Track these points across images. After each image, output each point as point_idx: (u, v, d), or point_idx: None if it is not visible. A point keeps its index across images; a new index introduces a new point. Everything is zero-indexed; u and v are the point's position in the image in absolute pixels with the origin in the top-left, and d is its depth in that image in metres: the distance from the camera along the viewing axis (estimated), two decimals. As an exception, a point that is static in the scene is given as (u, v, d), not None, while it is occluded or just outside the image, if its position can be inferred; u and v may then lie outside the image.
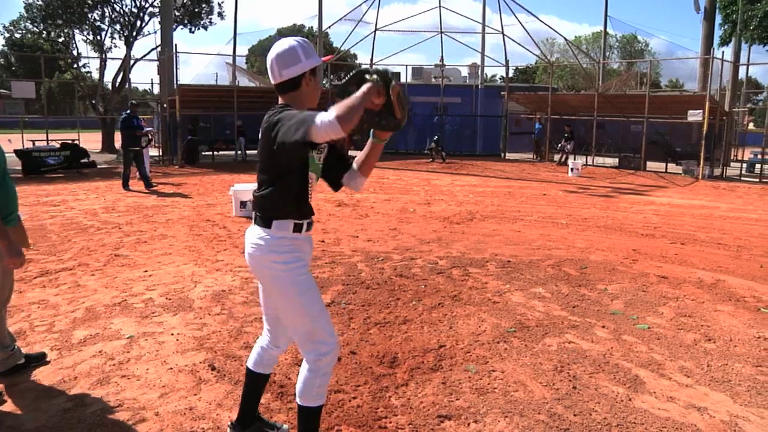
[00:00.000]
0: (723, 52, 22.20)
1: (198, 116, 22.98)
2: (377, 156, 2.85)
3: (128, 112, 14.18)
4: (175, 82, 21.57)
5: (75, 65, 34.46)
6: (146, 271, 6.67)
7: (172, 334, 4.68)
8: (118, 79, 28.61)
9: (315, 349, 2.71)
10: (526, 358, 4.30)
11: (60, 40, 33.11)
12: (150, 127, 16.52)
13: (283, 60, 2.62)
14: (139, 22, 30.21)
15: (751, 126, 34.22)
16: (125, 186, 14.03)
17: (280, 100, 2.71)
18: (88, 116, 34.11)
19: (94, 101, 29.98)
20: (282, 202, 2.67)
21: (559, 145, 23.59)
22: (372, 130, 2.76)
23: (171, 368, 4.05)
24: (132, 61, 27.01)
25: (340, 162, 2.92)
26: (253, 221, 2.75)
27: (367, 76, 2.57)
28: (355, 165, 2.91)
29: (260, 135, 2.60)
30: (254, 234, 2.72)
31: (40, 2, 29.27)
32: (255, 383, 3.10)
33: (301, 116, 2.38)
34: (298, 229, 2.72)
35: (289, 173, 2.64)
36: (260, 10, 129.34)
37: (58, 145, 19.56)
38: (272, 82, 2.70)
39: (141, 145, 14.22)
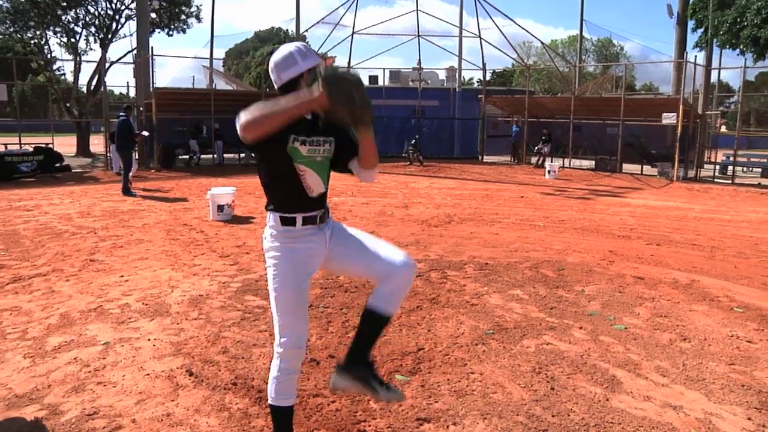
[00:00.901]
0: (696, 56, 22.56)
1: (201, 120, 22.68)
2: (368, 147, 2.77)
3: (124, 114, 14.10)
4: (151, 85, 21.40)
5: (49, 67, 33.99)
6: (122, 276, 6.59)
7: (149, 340, 4.64)
8: (93, 82, 28.28)
9: (277, 342, 2.81)
10: (505, 360, 4.32)
11: (33, 41, 32.59)
12: (142, 131, 16.27)
13: (281, 64, 2.75)
14: (114, 25, 29.91)
15: (723, 129, 34.76)
16: (127, 191, 13.74)
17: None
18: (63, 120, 33.62)
19: (68, 104, 29.58)
20: (269, 195, 2.84)
21: (536, 147, 23.74)
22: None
23: (148, 374, 4.01)
24: (107, 64, 26.70)
25: (349, 149, 2.87)
26: None
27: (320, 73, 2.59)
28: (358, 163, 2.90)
29: None
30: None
31: (8, 4, 28.69)
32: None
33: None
34: (288, 222, 2.78)
35: (266, 166, 2.81)
36: (237, 13, 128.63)
37: (31, 149, 19.27)
38: (276, 85, 2.79)
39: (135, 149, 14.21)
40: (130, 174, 14.67)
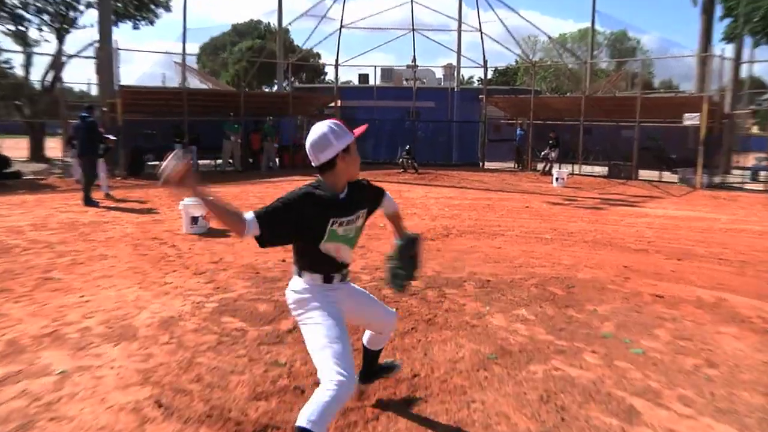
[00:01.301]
0: (723, 49, 22.46)
1: (179, 123, 22.57)
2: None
3: (87, 114, 13.96)
4: (116, 83, 21.33)
5: (-8, 60, 33.60)
6: (83, 296, 6.55)
7: (113, 368, 4.60)
8: (48, 78, 28.07)
9: (335, 372, 3.11)
10: (509, 387, 4.31)
11: None
12: (110, 135, 16.11)
13: (317, 146, 3.27)
14: (72, 13, 29.62)
15: (754, 129, 34.69)
16: (89, 201, 13.62)
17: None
18: (12, 120, 33.25)
19: (18, 102, 29.23)
20: (303, 260, 3.42)
21: (543, 153, 23.77)
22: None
23: (111, 407, 3.97)
24: (65, 58, 26.58)
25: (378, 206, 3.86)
26: None
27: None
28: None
29: None
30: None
31: None
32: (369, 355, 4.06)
33: None
34: (327, 280, 3.41)
35: (303, 243, 3.38)
36: (212, 5, 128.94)
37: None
38: (313, 164, 3.36)
39: (101, 154, 14.09)
40: (104, 185, 14.65)
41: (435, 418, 3.86)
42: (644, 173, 21.52)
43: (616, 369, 4.69)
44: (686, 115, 19.58)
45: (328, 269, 3.40)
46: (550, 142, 23.46)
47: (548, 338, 5.36)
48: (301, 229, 3.24)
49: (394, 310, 4.05)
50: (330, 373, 3.03)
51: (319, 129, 3.29)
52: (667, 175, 21.27)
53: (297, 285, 3.40)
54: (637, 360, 4.88)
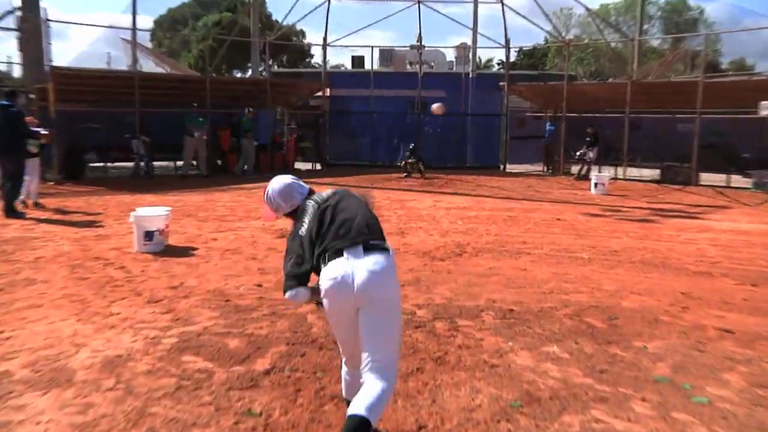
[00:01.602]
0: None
1: (148, 116, 22.60)
2: None
3: (9, 103, 13.73)
4: (45, 62, 21.25)
5: None
6: (2, 332, 6.51)
7: (39, 423, 4.55)
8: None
9: (396, 368, 4.07)
10: (539, 444, 4.29)
11: None
12: (41, 128, 15.97)
13: (284, 195, 4.48)
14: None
15: None
16: (11, 212, 13.53)
17: None
18: None
19: None
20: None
21: (578, 153, 23.75)
22: None
23: (39, 470, 3.95)
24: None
25: None
26: (377, 250, 3.98)
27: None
28: None
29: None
30: (380, 257, 3.94)
31: None
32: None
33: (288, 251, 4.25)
34: None
35: None
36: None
37: None
38: (283, 212, 4.54)
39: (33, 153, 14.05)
40: (33, 192, 14.66)
41: (446, 481, 3.84)
42: (707, 177, 21.51)
43: (673, 423, 4.65)
44: (763, 103, 19.47)
45: None
46: (588, 139, 23.43)
47: (586, 382, 5.34)
48: None
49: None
50: (396, 367, 3.98)
51: (278, 182, 4.51)
52: (737, 179, 21.23)
53: (391, 263, 4.01)
54: (701, 412, 4.84)
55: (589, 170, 23.24)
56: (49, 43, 21.47)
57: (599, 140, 23.61)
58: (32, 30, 21.62)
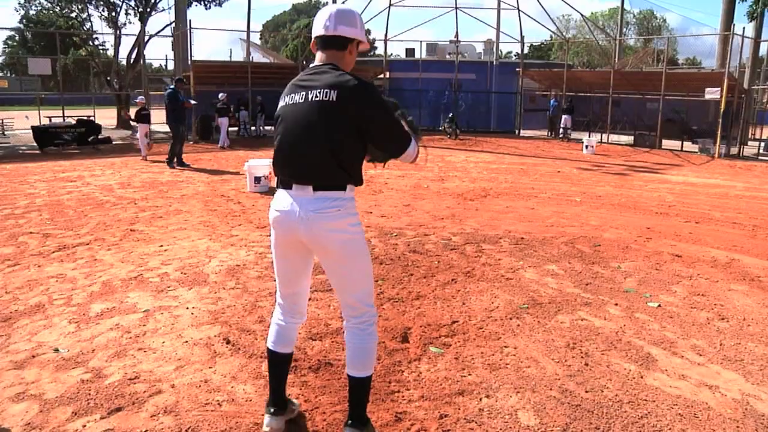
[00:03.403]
0: (744, 28, 21.80)
1: (259, 96, 22.81)
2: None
3: (173, 87, 14.10)
4: (189, 58, 21.53)
5: (90, 42, 34.45)
6: (161, 245, 6.72)
7: (188, 308, 4.73)
8: (133, 56, 28.60)
9: (371, 311, 2.86)
10: (539, 335, 4.31)
11: (74, 15, 32.97)
12: (194, 101, 16.43)
13: (343, 16, 2.71)
14: (153, -2, 30.10)
15: (771, 104, 33.62)
16: (179, 163, 13.80)
17: (319, 59, 2.77)
18: (103, 93, 34.19)
19: (108, 78, 29.99)
20: (359, 169, 2.76)
21: (560, 125, 23.63)
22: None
23: (186, 341, 4.09)
24: (146, 37, 26.94)
25: None
26: (312, 188, 2.66)
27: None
28: None
29: (342, 99, 2.59)
30: (321, 200, 2.66)
31: None
32: (280, 364, 3.08)
33: (408, 129, 2.85)
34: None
35: (364, 145, 2.75)
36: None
37: (74, 122, 19.69)
38: (321, 33, 2.73)
39: (185, 121, 14.28)
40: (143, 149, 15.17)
41: (472, 360, 3.88)
42: (667, 143, 21.03)
43: (636, 320, 4.63)
44: (707, 89, 19.10)
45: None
46: (565, 107, 23.22)
47: (575, 291, 5.32)
48: None
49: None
50: (372, 309, 2.87)
51: (348, 6, 2.85)
52: (688, 145, 20.76)
53: (347, 205, 2.71)
54: (655, 313, 4.81)
55: (568, 133, 23.25)
56: (192, 45, 21.71)
57: (573, 108, 23.47)
58: (182, 36, 21.88)
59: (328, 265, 2.80)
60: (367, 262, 2.82)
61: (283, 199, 2.76)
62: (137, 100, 16.47)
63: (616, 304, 4.99)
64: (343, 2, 30.51)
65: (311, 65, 2.79)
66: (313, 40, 2.80)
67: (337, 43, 2.71)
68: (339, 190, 2.67)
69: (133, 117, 16.29)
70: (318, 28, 2.73)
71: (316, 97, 2.62)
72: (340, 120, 2.60)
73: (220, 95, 19.50)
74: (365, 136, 2.68)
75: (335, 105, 2.59)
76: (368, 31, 55.33)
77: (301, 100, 2.68)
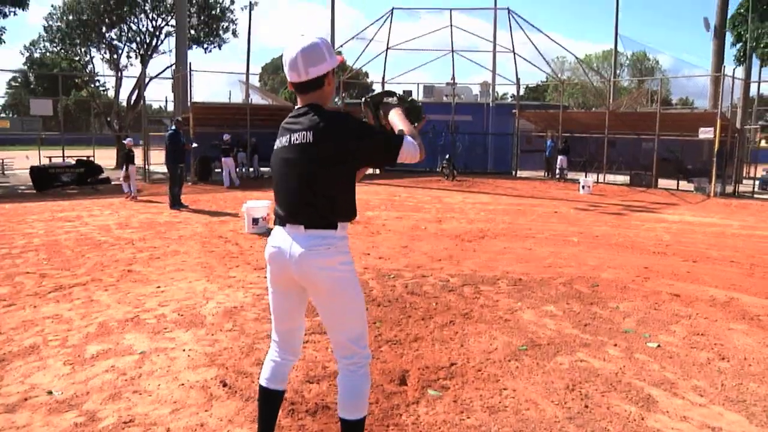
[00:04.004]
0: (734, 69, 22.18)
1: (254, 138, 23.00)
2: (362, 175, 3.05)
3: (174, 128, 14.19)
4: (189, 99, 21.76)
5: (91, 83, 34.85)
6: (159, 287, 6.69)
7: (184, 350, 4.68)
8: (133, 97, 28.93)
9: (363, 353, 2.82)
10: (538, 377, 4.27)
11: (77, 58, 33.45)
12: (195, 144, 16.60)
13: (309, 57, 2.64)
14: (154, 41, 30.58)
15: (763, 143, 33.98)
16: (176, 205, 13.75)
17: (300, 101, 2.78)
18: (104, 133, 34.52)
19: (109, 118, 30.28)
20: (351, 203, 2.78)
21: (558, 166, 23.84)
22: None
23: (182, 384, 4.05)
24: (147, 79, 27.29)
25: None
26: (303, 227, 2.69)
27: (391, 99, 2.97)
28: None
29: (318, 140, 2.63)
30: (312, 237, 2.68)
31: (60, 23, 29.66)
32: (271, 401, 3.04)
33: (391, 134, 2.78)
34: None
35: (352, 178, 2.77)
36: (273, 29, 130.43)
37: (73, 162, 19.81)
38: (294, 80, 2.71)
39: (184, 162, 14.33)
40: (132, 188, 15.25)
41: (470, 403, 3.84)
42: (663, 182, 21.16)
43: (635, 361, 4.59)
44: (701, 129, 19.30)
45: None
46: (560, 147, 23.53)
47: (574, 332, 5.28)
48: None
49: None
50: (365, 351, 2.83)
51: (309, 39, 2.66)
52: (684, 184, 20.91)
53: (338, 244, 2.72)
54: (655, 353, 4.77)
55: (564, 173, 23.41)
56: (192, 86, 21.91)
57: (569, 149, 23.78)
58: (182, 78, 22.17)
59: (319, 304, 2.80)
60: (358, 302, 2.81)
61: (278, 236, 2.80)
62: (125, 142, 16.61)
63: (615, 345, 4.95)
64: (341, 45, 31.02)
65: (296, 107, 2.83)
66: (289, 82, 2.79)
67: (312, 85, 2.71)
68: (330, 228, 2.70)
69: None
70: (290, 75, 2.71)
71: (296, 140, 2.69)
72: (320, 160, 2.64)
73: (225, 136, 19.72)
74: (355, 164, 2.73)
75: (313, 145, 2.64)
76: (366, 74, 56.02)
77: (286, 143, 2.75)
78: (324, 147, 2.63)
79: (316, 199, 2.68)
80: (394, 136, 2.74)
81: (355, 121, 2.70)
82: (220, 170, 22.32)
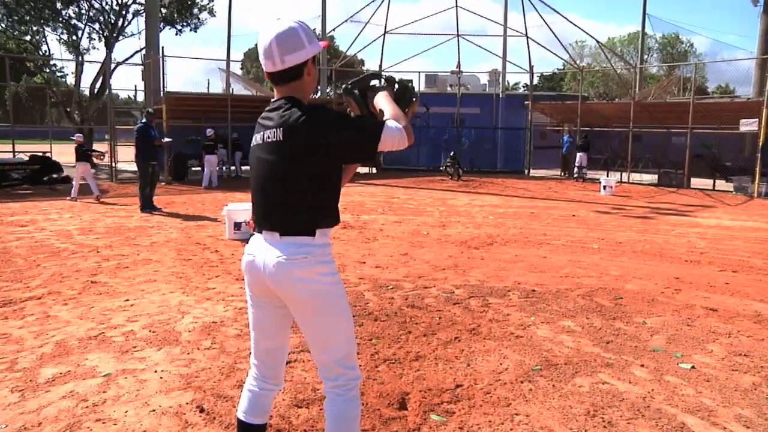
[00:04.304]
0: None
1: (235, 132, 23.02)
2: (350, 175, 3.07)
3: (144, 121, 14.20)
4: (162, 89, 21.71)
5: (46, 68, 34.55)
6: (127, 300, 6.68)
7: (156, 372, 4.67)
8: (97, 85, 28.78)
9: (350, 374, 2.78)
10: (554, 401, 4.27)
11: (27, 38, 32.76)
12: (169, 138, 16.61)
13: (284, 44, 2.60)
14: (120, 21, 30.38)
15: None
16: (147, 207, 13.77)
17: (277, 93, 2.75)
18: (62, 126, 34.30)
19: (68, 109, 30.07)
20: (330, 206, 2.76)
21: (576, 163, 23.75)
22: None
23: (153, 410, 4.03)
24: (113, 65, 27.19)
25: None
26: (279, 234, 2.69)
27: (376, 82, 2.90)
28: None
29: (287, 136, 2.61)
30: (289, 245, 2.67)
31: None
32: None
33: (369, 122, 2.72)
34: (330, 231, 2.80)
35: (336, 179, 2.74)
36: (256, 12, 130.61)
37: (26, 158, 19.68)
38: (269, 69, 2.69)
39: (156, 160, 14.33)
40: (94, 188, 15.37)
41: (478, 430, 3.83)
42: (696, 182, 21.19)
43: (666, 384, 4.59)
44: (743, 120, 19.21)
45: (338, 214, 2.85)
46: (579, 144, 23.45)
47: (595, 351, 5.29)
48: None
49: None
50: (352, 372, 2.80)
51: (285, 23, 2.63)
52: (722, 184, 20.92)
53: (317, 251, 2.71)
54: (689, 375, 4.76)
55: (582, 172, 23.38)
56: (165, 74, 21.88)
57: (589, 146, 23.71)
58: (153, 64, 22.14)
59: (298, 318, 2.78)
60: (343, 319, 2.77)
61: (254, 243, 2.80)
62: (74, 137, 16.62)
63: (642, 366, 4.95)
64: (333, 29, 31.03)
65: (272, 100, 2.80)
66: (265, 72, 2.76)
67: (289, 75, 2.68)
68: (307, 235, 2.68)
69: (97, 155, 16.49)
70: (265, 64, 2.69)
71: (269, 138, 2.68)
72: (291, 157, 2.63)
73: (208, 131, 19.80)
74: (330, 158, 2.66)
75: (284, 143, 2.63)
76: (362, 62, 56.08)
77: (260, 141, 2.75)
78: (294, 143, 2.61)
79: (289, 197, 2.66)
80: (373, 123, 2.67)
81: (330, 112, 2.65)
82: (200, 168, 22.37)
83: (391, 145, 2.61)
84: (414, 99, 2.99)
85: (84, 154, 16.00)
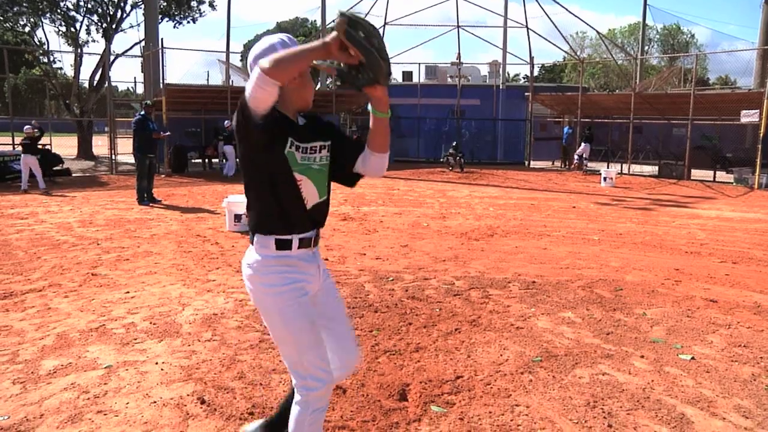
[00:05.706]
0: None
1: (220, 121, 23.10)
2: (384, 130, 2.82)
3: (143, 113, 14.14)
4: (161, 81, 21.65)
5: (45, 60, 34.41)
6: (128, 292, 6.68)
7: (157, 363, 4.68)
8: (96, 77, 28.69)
9: (300, 383, 2.78)
10: (554, 392, 4.28)
11: (26, 29, 32.53)
12: (168, 132, 16.60)
13: (262, 56, 2.52)
14: (119, 13, 30.28)
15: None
16: (144, 200, 13.80)
17: None
18: (62, 118, 34.22)
19: (68, 101, 30.00)
20: (261, 213, 2.73)
21: (577, 153, 23.71)
22: (369, 105, 2.77)
23: (154, 402, 4.05)
24: (112, 57, 27.08)
25: (350, 150, 2.91)
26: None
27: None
28: (367, 147, 2.88)
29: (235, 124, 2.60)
30: (247, 252, 2.80)
31: None
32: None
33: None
34: (284, 245, 2.72)
35: (264, 176, 2.68)
36: (256, 3, 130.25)
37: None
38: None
39: (155, 152, 14.30)
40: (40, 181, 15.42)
41: (478, 421, 3.85)
42: (697, 173, 21.17)
43: (666, 375, 4.60)
44: (744, 112, 19.19)
45: (293, 222, 2.73)
46: (586, 134, 23.39)
47: (595, 342, 5.30)
48: (263, 146, 2.61)
49: (359, 347, 3.11)
50: (301, 381, 2.79)
51: (266, 40, 2.66)
52: (722, 175, 20.90)
53: (251, 259, 2.78)
54: (688, 366, 4.78)
55: (583, 163, 23.32)
56: (164, 66, 21.80)
57: (592, 137, 23.60)
58: (153, 56, 22.08)
59: None
60: (285, 330, 2.73)
61: None
62: (25, 129, 16.58)
63: (642, 357, 4.96)
64: (333, 21, 30.94)
65: None
66: None
67: None
68: (251, 243, 2.78)
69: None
70: None
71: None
72: (240, 146, 2.67)
73: (226, 122, 20.21)
74: (244, 144, 2.63)
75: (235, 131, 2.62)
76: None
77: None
78: (237, 127, 2.58)
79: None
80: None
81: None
82: (205, 160, 22.39)
83: (254, 99, 2.40)
84: (382, 73, 2.56)
85: (32, 147, 16.09)
